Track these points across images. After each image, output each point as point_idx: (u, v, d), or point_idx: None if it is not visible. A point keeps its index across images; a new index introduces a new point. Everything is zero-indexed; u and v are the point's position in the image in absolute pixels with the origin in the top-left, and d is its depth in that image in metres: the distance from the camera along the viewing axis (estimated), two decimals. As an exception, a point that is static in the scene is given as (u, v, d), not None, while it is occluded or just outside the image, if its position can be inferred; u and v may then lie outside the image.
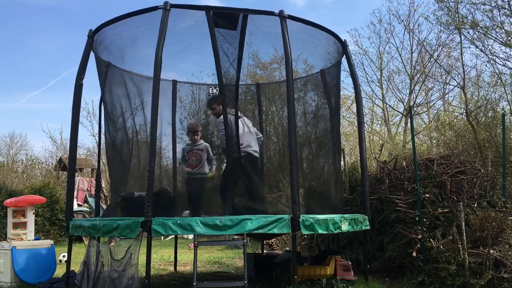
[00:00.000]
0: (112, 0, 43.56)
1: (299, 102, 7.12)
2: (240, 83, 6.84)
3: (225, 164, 6.56)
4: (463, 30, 12.29)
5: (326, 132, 6.71)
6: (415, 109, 17.18)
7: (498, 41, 11.74)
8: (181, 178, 7.30)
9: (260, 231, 4.77)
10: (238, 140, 5.92)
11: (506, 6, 11.34)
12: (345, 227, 5.31)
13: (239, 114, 6.11)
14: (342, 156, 8.35)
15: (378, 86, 18.37)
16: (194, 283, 4.53)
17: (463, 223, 5.37)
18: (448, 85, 16.18)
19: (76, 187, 13.99)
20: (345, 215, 5.49)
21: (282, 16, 5.20)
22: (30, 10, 43.48)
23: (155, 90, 4.78)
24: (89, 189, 14.83)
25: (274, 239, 9.70)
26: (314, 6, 37.33)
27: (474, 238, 5.58)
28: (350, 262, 5.79)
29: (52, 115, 46.88)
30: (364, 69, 18.29)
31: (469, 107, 12.31)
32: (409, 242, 5.99)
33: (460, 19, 12.11)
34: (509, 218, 5.97)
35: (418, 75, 17.41)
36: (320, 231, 5.07)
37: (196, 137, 6.34)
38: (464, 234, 5.33)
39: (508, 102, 12.46)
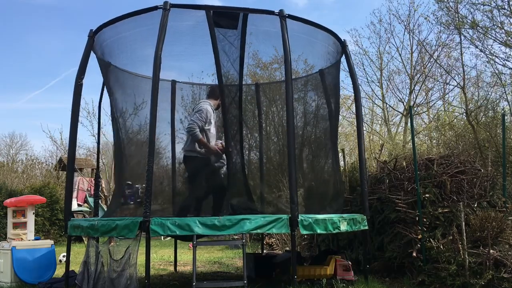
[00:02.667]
0: (112, 0, 43.58)
1: (299, 102, 7.13)
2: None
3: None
4: (463, 30, 12.29)
5: (325, 132, 6.71)
6: (415, 109, 17.17)
7: (498, 41, 11.74)
8: (181, 178, 7.31)
9: (259, 231, 4.77)
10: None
11: (506, 7, 11.34)
12: (343, 227, 5.30)
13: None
14: (342, 156, 8.37)
15: (378, 86, 18.37)
16: (194, 283, 4.53)
17: (463, 223, 5.36)
18: (448, 85, 16.20)
19: (76, 187, 13.99)
20: (344, 215, 5.49)
21: (282, 16, 5.20)
22: (31, 10, 43.51)
23: (154, 90, 4.77)
24: (89, 189, 14.82)
25: (274, 239, 9.71)
26: (315, 6, 37.38)
27: (474, 238, 5.57)
28: (350, 262, 5.78)
29: (52, 115, 46.91)
30: (364, 69, 18.29)
31: (469, 107, 12.30)
32: (409, 242, 5.99)
33: (460, 19, 12.10)
34: (509, 218, 5.97)
35: (418, 75, 17.40)
36: (318, 231, 5.08)
37: None
38: (464, 234, 5.32)
39: (508, 102, 12.45)
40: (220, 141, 6.08)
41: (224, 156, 6.00)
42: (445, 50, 16.18)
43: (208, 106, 5.81)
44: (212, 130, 5.84)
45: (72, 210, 7.16)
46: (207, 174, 5.83)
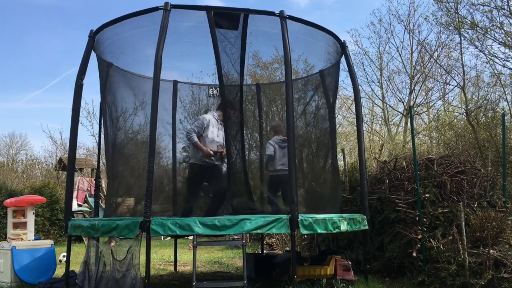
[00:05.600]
0: (113, 0, 43.54)
1: (299, 102, 7.13)
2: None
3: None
4: (463, 30, 12.30)
5: (325, 132, 6.71)
6: (415, 109, 17.17)
7: (497, 41, 11.76)
8: (181, 178, 7.30)
9: (259, 231, 4.77)
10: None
11: (505, 7, 11.36)
12: (344, 227, 5.31)
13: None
14: (342, 156, 8.37)
15: (378, 86, 18.37)
16: (194, 283, 4.53)
17: (463, 223, 5.36)
18: (448, 85, 16.20)
19: (76, 187, 13.98)
20: (344, 215, 5.49)
21: (282, 17, 5.20)
22: (31, 10, 43.44)
23: (155, 91, 4.77)
24: (89, 189, 14.81)
25: (274, 239, 9.71)
26: (317, 6, 37.28)
27: (474, 238, 5.58)
28: (350, 262, 5.79)
29: (52, 115, 46.86)
30: (364, 69, 18.30)
31: (469, 107, 12.31)
32: (409, 242, 5.99)
33: (460, 20, 12.11)
34: (509, 218, 5.97)
35: (418, 75, 17.40)
36: (319, 231, 5.08)
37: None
38: (464, 234, 5.32)
39: (508, 102, 12.48)
40: (220, 144, 6.20)
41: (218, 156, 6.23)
42: (445, 50, 16.19)
43: (208, 115, 6.30)
44: (210, 135, 6.19)
45: (72, 210, 7.15)
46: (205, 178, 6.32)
